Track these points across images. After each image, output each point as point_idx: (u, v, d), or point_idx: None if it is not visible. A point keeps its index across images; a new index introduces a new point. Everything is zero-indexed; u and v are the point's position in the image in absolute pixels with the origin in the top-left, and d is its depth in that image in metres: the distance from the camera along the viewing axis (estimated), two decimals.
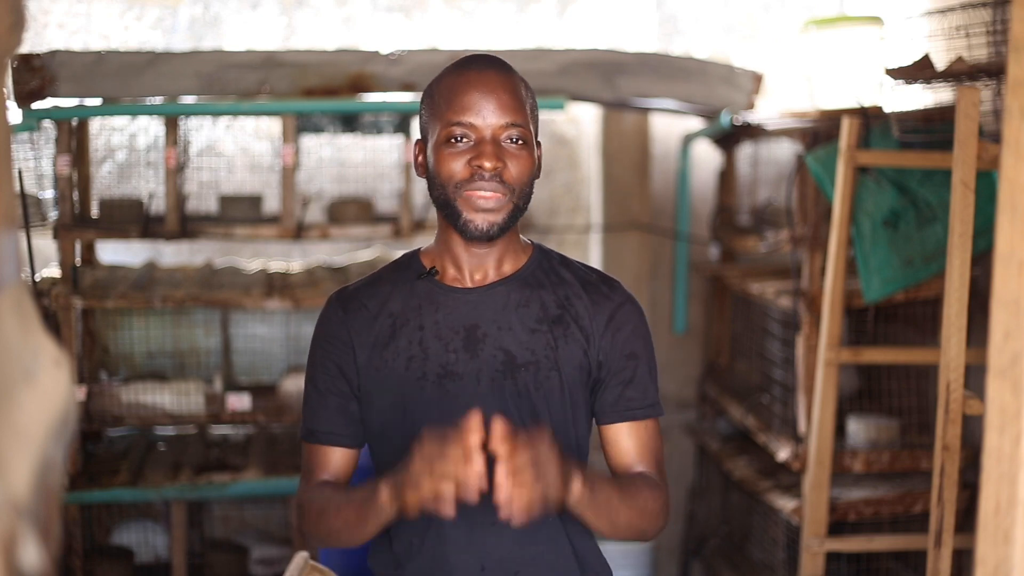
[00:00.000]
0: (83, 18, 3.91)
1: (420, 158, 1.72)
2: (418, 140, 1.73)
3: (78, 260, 3.42)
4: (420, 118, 1.73)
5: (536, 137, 1.71)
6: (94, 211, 3.47)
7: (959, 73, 2.51)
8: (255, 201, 3.49)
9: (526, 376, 1.66)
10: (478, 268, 1.71)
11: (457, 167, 1.63)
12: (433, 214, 3.51)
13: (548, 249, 1.80)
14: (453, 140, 1.63)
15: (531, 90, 1.71)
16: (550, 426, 1.65)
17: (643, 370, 1.72)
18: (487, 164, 1.61)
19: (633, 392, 1.70)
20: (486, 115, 1.62)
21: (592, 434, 1.78)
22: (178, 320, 3.61)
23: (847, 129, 2.75)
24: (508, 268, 1.73)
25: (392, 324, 1.71)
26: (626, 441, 1.70)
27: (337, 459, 1.74)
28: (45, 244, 3.45)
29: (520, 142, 1.64)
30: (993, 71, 2.45)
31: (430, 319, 1.69)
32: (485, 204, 1.62)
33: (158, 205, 3.41)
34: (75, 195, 3.34)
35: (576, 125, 4.18)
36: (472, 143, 1.63)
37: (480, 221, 1.63)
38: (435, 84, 1.70)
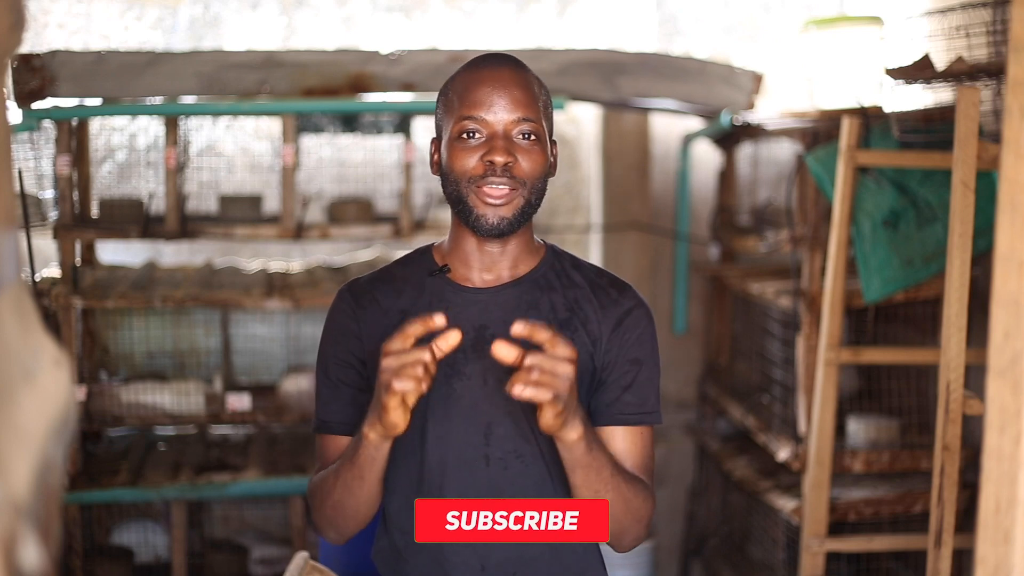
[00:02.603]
0: (83, 18, 3.91)
1: (436, 156, 1.73)
2: (433, 139, 1.75)
3: (78, 260, 3.42)
4: (436, 116, 1.75)
5: (551, 136, 1.71)
6: (94, 211, 3.47)
7: (959, 73, 2.50)
8: (255, 201, 3.49)
9: None
10: (490, 268, 1.72)
11: (469, 163, 1.63)
12: (433, 214, 3.54)
13: (561, 250, 1.80)
14: (465, 136, 1.64)
15: (545, 89, 1.72)
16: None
17: (644, 376, 1.70)
18: (498, 159, 1.61)
19: (631, 397, 1.69)
20: (497, 111, 1.63)
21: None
22: (178, 320, 3.61)
23: (847, 129, 2.75)
24: (522, 269, 1.73)
25: (402, 320, 1.70)
26: (617, 444, 1.68)
27: None
28: (45, 244, 3.45)
29: (532, 138, 1.65)
30: (993, 71, 2.45)
31: None
32: (495, 200, 1.63)
33: (158, 205, 3.41)
34: (75, 195, 3.34)
35: (576, 125, 4.18)
36: (484, 139, 1.64)
37: (491, 215, 1.64)
38: (450, 82, 1.71)
